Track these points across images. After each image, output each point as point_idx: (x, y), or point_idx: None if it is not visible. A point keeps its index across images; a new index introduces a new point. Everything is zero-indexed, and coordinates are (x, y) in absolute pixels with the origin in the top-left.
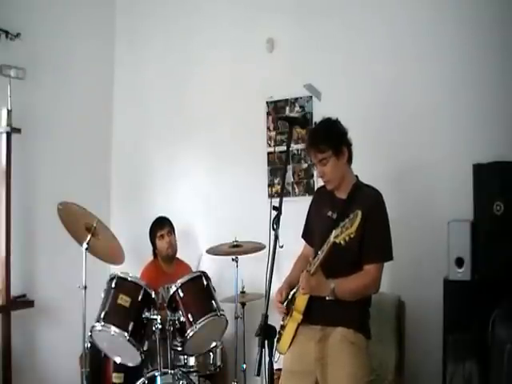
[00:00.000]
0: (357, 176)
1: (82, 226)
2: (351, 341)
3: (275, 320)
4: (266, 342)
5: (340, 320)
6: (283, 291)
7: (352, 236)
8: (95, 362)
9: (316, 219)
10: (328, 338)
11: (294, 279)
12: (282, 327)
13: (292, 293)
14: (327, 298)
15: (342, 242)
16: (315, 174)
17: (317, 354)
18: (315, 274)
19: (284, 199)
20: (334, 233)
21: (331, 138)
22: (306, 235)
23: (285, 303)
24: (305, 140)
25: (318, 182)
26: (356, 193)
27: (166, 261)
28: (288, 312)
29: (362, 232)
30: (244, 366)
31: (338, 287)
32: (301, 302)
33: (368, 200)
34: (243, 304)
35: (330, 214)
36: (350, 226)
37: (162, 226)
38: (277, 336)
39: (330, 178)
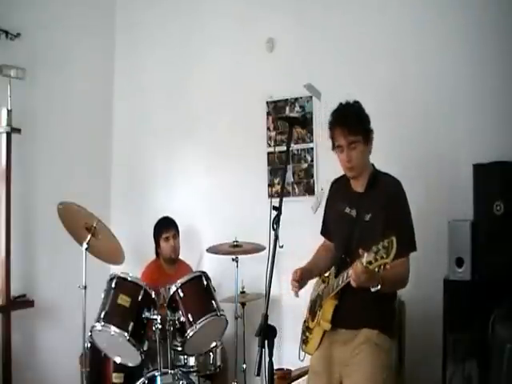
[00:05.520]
0: (373, 164)
1: (82, 226)
2: (375, 342)
3: (275, 320)
4: (266, 341)
5: (365, 321)
6: (298, 270)
7: (388, 267)
8: (95, 362)
9: (333, 215)
10: (353, 340)
11: (313, 265)
12: (308, 329)
13: (316, 294)
14: (372, 290)
15: (377, 270)
16: (315, 174)
17: (341, 356)
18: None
19: (284, 199)
20: (366, 257)
21: (363, 121)
22: (326, 233)
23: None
24: (304, 137)
25: (318, 182)
26: (373, 185)
27: (167, 262)
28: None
29: (384, 229)
30: (244, 366)
31: (385, 276)
32: (327, 310)
33: (386, 193)
34: (243, 304)
35: (347, 210)
36: (386, 257)
37: (168, 227)
38: (303, 337)
39: (355, 164)
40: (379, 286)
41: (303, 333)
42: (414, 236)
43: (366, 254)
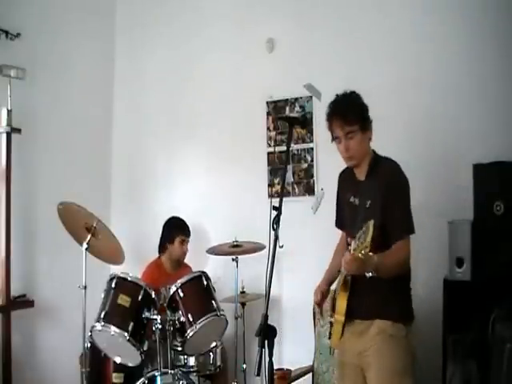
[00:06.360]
0: (373, 151)
1: (82, 226)
2: (389, 333)
3: (275, 320)
4: (266, 341)
5: (378, 312)
6: (318, 292)
7: (367, 250)
8: (95, 362)
9: (343, 206)
10: (368, 331)
11: (335, 271)
12: (331, 323)
13: (333, 289)
14: (368, 276)
15: (361, 255)
16: (315, 174)
17: (359, 347)
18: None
19: (284, 199)
20: (353, 245)
21: (360, 110)
22: (340, 224)
23: (325, 301)
24: (304, 137)
25: (318, 182)
26: (373, 171)
27: (172, 263)
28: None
29: (382, 214)
30: (244, 366)
31: (380, 261)
32: (341, 304)
33: (385, 178)
34: (243, 304)
35: (352, 199)
36: (364, 241)
37: (187, 232)
38: (329, 332)
39: (353, 153)
40: (373, 273)
41: (329, 328)
42: (411, 219)
43: (352, 242)
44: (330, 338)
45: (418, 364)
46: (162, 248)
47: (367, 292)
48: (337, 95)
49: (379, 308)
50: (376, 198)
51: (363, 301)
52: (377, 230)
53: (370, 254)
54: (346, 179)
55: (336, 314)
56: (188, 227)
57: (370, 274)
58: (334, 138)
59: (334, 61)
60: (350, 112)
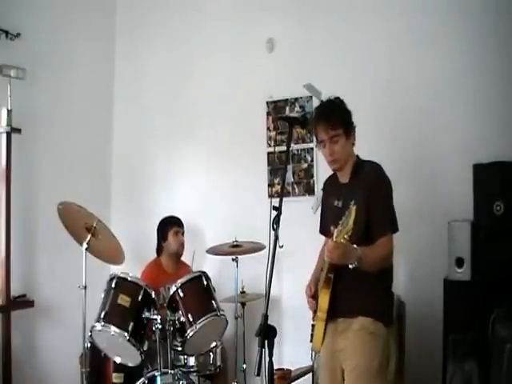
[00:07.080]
0: (357, 156)
1: (82, 226)
2: (370, 331)
3: (275, 320)
4: (266, 341)
5: (359, 310)
6: (312, 286)
7: (350, 233)
8: (95, 362)
9: (327, 211)
10: (349, 328)
11: (319, 272)
12: (313, 326)
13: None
14: (350, 267)
15: (343, 241)
16: (315, 174)
17: (340, 344)
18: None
19: (284, 199)
20: (335, 233)
21: (343, 115)
22: (322, 230)
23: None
24: (304, 137)
25: (318, 182)
26: (356, 174)
27: (171, 259)
28: (316, 309)
29: (366, 214)
30: (244, 366)
31: (363, 253)
32: (323, 301)
33: (368, 179)
34: (243, 304)
35: (336, 203)
36: (347, 225)
37: (179, 224)
38: (310, 336)
39: (338, 157)
40: (356, 264)
41: (311, 332)
42: (394, 218)
43: (335, 230)
44: (311, 340)
45: (418, 364)
46: (159, 249)
47: (350, 290)
48: (321, 101)
49: (362, 305)
50: (359, 198)
51: (346, 298)
52: (360, 229)
53: (354, 246)
54: (331, 184)
55: (318, 312)
56: (179, 219)
57: (353, 265)
58: (318, 142)
59: (334, 61)
60: (334, 116)
